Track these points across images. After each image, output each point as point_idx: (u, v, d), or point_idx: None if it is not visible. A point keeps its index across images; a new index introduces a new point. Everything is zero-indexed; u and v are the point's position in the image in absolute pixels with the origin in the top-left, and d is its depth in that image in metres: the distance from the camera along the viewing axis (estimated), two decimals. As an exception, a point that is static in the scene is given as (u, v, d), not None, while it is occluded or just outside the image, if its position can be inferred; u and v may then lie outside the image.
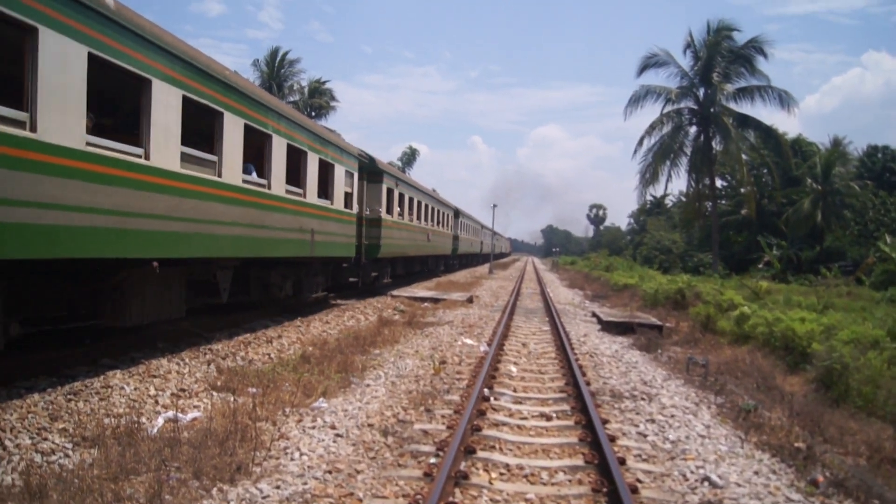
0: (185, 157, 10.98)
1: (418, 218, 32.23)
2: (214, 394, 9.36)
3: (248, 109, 13.07)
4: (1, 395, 8.34)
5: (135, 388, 9.19)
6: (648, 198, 58.16)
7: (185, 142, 10.96)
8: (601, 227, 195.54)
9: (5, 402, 8.06)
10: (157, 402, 8.82)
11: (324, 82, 62.64)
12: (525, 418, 9.11)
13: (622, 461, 7.39)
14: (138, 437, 7.25)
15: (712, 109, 44.66)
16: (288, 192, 15.13)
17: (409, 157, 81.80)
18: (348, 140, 21.04)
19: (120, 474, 6.28)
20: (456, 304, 23.72)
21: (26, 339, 10.15)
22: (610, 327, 18.63)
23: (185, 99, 10.83)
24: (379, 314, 19.14)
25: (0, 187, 7.39)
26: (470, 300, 25.36)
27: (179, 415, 8.12)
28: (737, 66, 44.29)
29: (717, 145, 45.39)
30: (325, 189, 17.85)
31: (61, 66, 8.26)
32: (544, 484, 6.89)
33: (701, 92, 45.50)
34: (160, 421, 7.91)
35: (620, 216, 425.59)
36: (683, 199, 60.26)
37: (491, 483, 6.79)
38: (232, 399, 9.06)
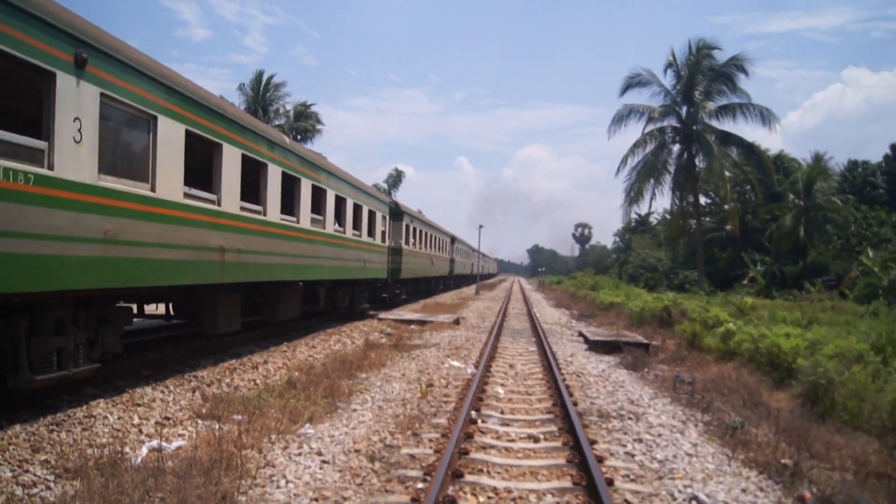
0: (313, 220, 17.86)
1: (424, 246, 38.92)
2: (199, 421, 9.28)
3: (339, 186, 20.34)
4: (-18, 427, 8.24)
5: (118, 418, 9.10)
6: (633, 216, 58.58)
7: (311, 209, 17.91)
8: (587, 246, 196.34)
9: (-14, 434, 7.96)
10: (141, 431, 8.73)
11: (309, 105, 62.73)
12: (513, 440, 9.08)
13: (610, 482, 7.38)
14: (122, 467, 7.17)
15: (695, 127, 45.14)
16: (353, 234, 22.08)
17: (395, 179, 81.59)
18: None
19: (103, 506, 6.20)
20: (443, 325, 23.67)
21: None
22: (597, 346, 18.67)
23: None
24: (365, 337, 19.08)
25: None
26: (457, 322, 25.31)
27: (164, 444, 8.04)
28: (718, 84, 44.83)
29: (700, 163, 45.87)
30: (371, 230, 24.75)
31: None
32: (532, 507, 6.86)
33: (683, 110, 46.00)
34: (144, 450, 7.83)
35: (606, 235, 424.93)
36: (668, 216, 61.02)
37: (478, 507, 6.75)
38: (217, 427, 8.98)
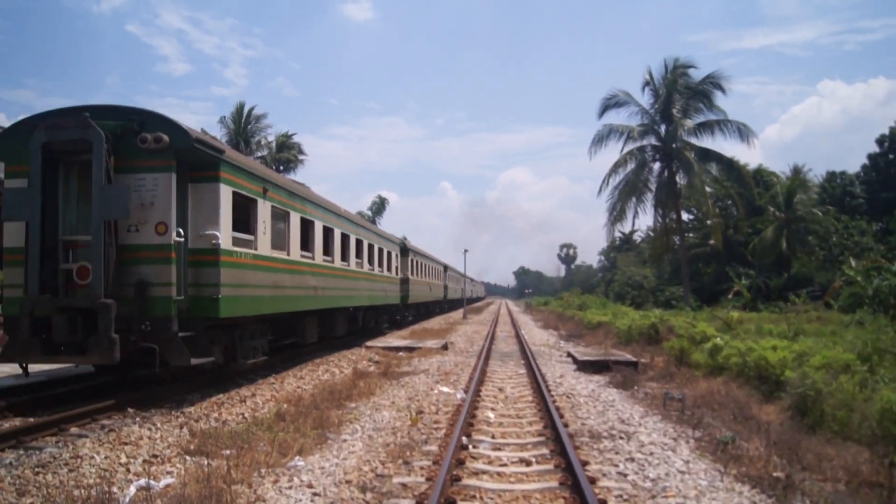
0: (357, 263, 24.83)
1: (424, 275, 45.09)
2: (188, 458, 9.17)
3: (369, 235, 27.44)
4: (-34, 473, 8.11)
5: (105, 457, 8.98)
6: (617, 234, 58.20)
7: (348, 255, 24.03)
8: (573, 266, 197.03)
9: (-30, 480, 7.84)
10: (128, 470, 8.62)
11: (291, 136, 62.44)
12: (504, 465, 9.03)
13: (603, 503, 7.34)
14: (109, 508, 7.06)
15: (674, 145, 45.46)
16: (378, 271, 28.69)
17: (379, 207, 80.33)
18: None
19: (91, 549, 6.10)
20: (431, 351, 23.59)
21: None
22: (586, 367, 18.67)
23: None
24: (354, 366, 19.00)
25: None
26: (445, 347, 25.30)
27: (152, 482, 7.94)
28: (696, 102, 45.30)
29: (681, 180, 46.15)
30: (389, 265, 31.51)
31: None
32: (526, 531, 6.80)
33: (662, 128, 46.39)
34: (132, 490, 7.72)
35: (591, 254, 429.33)
36: (651, 234, 61.42)
37: (472, 534, 6.69)
38: (206, 462, 8.88)
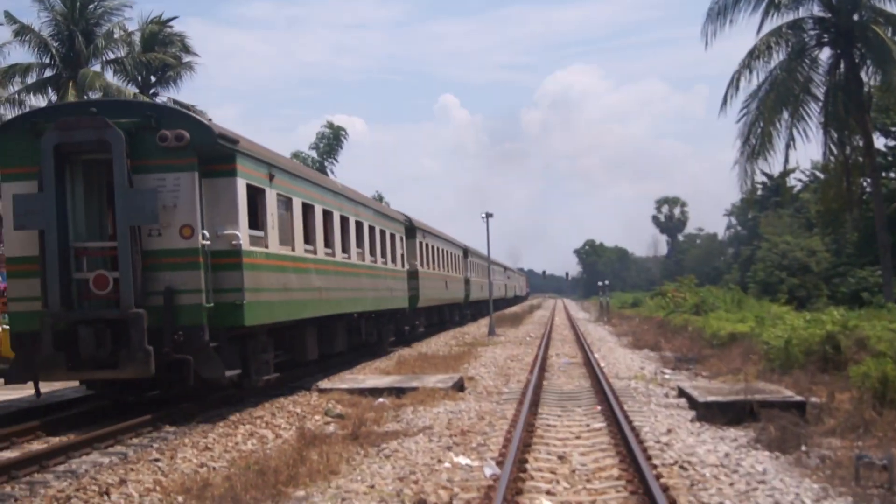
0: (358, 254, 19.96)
1: (437, 265, 32.73)
2: None
3: (363, 213, 20.66)
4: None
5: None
6: (759, 180, 37.20)
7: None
8: (680, 237, 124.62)
9: None
10: None
11: (168, 22, 36.47)
12: None
13: None
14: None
15: (856, 16, 28.23)
16: (381, 262, 22.30)
17: (331, 142, 48.96)
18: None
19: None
20: (435, 394, 14.16)
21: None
22: (711, 413, 11.38)
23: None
24: (299, 424, 11.81)
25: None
26: (460, 386, 15.47)
27: None
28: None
29: (870, 77, 28.54)
30: (393, 254, 24.07)
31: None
32: None
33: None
34: None
35: (713, 216, 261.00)
36: (821, 176, 39.71)
37: None
38: None
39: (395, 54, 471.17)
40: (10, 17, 32.36)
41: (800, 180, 54.51)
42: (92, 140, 11.20)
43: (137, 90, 34.85)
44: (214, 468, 8.86)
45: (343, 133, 49.46)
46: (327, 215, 17.27)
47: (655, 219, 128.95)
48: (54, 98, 32.89)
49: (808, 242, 44.75)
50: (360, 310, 19.70)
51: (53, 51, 32.73)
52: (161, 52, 35.60)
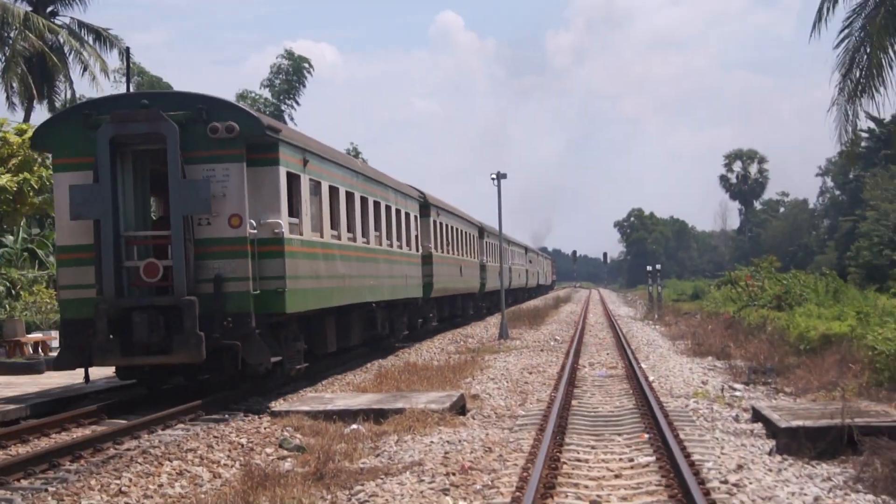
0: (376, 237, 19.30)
1: (451, 248, 29.26)
2: None
3: (392, 197, 20.96)
4: None
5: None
6: (863, 125, 27.79)
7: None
8: (757, 205, 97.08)
9: None
10: None
11: None
12: None
13: None
14: None
15: None
16: (396, 246, 21.16)
17: (290, 77, 39.78)
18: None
19: None
20: (427, 418, 10.96)
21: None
22: (796, 442, 8.67)
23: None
24: (245, 459, 9.16)
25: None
26: (460, 408, 12.06)
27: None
28: None
29: None
30: (408, 236, 22.58)
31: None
32: None
33: None
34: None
35: (800, 178, 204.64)
36: None
37: None
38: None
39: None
40: None
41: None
42: (146, 132, 11.78)
43: (31, 8, 30.97)
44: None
45: (307, 66, 40.16)
46: (350, 198, 17.07)
47: (724, 180, 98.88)
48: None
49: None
50: (377, 299, 18.88)
51: None
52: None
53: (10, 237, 25.49)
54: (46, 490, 7.61)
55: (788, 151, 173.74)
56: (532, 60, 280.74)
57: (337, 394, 13.97)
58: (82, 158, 12.04)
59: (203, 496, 7.41)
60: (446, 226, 28.26)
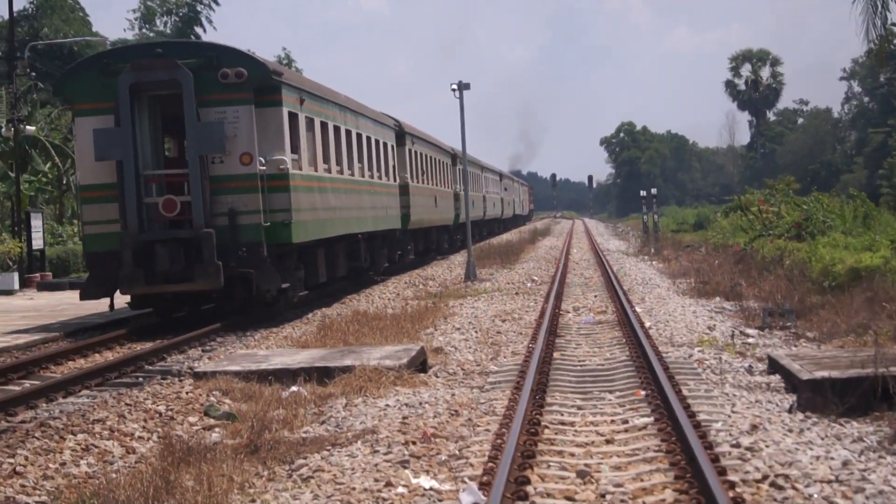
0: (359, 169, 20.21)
1: (426, 178, 29.14)
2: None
3: (370, 127, 21.47)
4: None
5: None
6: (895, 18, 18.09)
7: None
8: (770, 116, 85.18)
9: None
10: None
11: None
12: None
13: None
14: None
15: None
16: (377, 176, 22.00)
17: None
18: None
19: None
20: (381, 377, 9.50)
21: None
22: (821, 396, 7.88)
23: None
24: (164, 431, 7.84)
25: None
26: (420, 364, 10.46)
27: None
28: None
29: None
30: (386, 166, 22.78)
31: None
32: None
33: None
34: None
35: (820, 83, 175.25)
36: None
37: None
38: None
39: None
40: None
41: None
42: (163, 79, 13.07)
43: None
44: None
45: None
46: (337, 131, 18.08)
47: (731, 86, 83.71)
48: None
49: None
50: (362, 230, 19.80)
51: None
52: None
53: None
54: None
55: (807, 51, 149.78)
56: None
57: (272, 350, 11.99)
58: (103, 103, 13.27)
59: (115, 475, 6.32)
60: (421, 154, 28.29)
